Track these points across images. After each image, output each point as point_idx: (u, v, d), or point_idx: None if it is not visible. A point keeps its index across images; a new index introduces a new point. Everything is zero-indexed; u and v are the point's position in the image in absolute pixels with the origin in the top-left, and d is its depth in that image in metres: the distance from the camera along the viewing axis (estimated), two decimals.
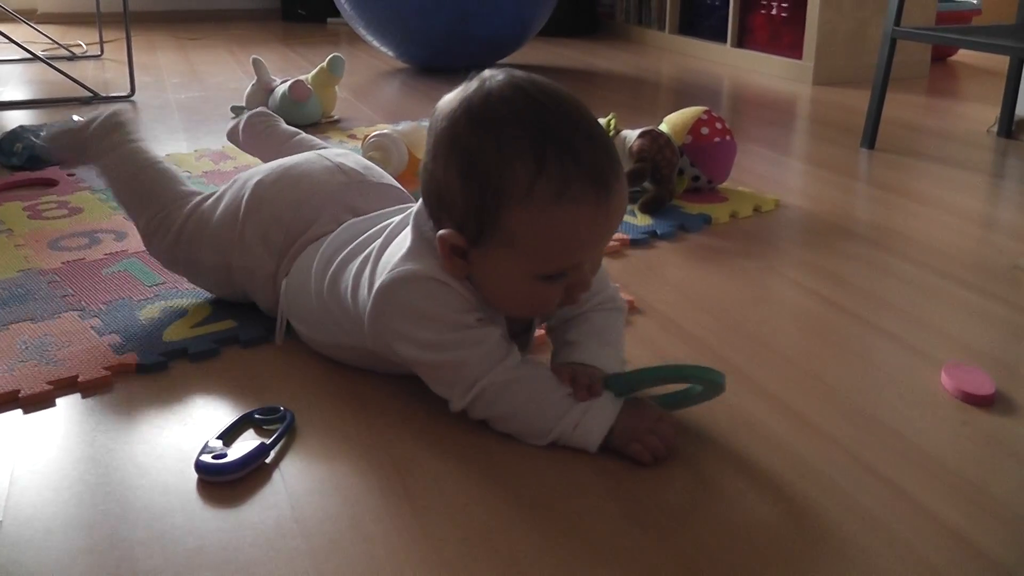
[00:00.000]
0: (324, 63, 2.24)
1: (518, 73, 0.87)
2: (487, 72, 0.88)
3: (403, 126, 1.79)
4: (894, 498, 0.83)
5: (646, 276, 1.34)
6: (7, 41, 2.58)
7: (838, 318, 1.21)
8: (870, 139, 2.13)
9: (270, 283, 1.10)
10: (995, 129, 2.30)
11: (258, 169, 1.16)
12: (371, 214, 1.09)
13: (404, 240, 0.93)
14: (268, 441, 0.89)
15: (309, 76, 2.24)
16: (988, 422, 0.97)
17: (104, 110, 1.29)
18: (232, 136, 1.55)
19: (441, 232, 0.87)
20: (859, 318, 1.21)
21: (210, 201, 1.16)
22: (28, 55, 2.63)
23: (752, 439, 0.93)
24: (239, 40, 3.78)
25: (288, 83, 2.18)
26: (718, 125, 1.69)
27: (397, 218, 1.01)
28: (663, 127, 1.71)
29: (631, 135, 1.63)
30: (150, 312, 1.16)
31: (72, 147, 1.28)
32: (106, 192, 1.62)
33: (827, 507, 0.82)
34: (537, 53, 3.52)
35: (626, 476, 0.86)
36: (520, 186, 0.81)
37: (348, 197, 1.12)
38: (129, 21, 2.57)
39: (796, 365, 1.08)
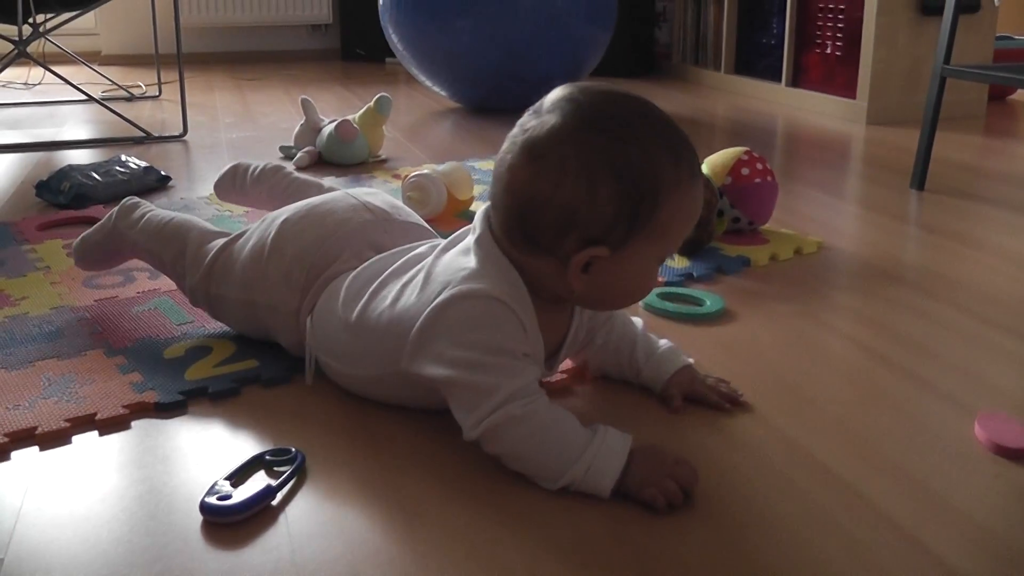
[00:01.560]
0: (371, 103, 2.26)
1: (583, 84, 0.90)
2: (557, 93, 0.89)
3: (444, 167, 1.79)
4: (917, 556, 0.80)
5: (679, 320, 1.32)
6: (68, 83, 2.65)
7: (873, 365, 1.17)
8: (920, 180, 2.08)
9: (293, 320, 1.10)
10: None
11: (286, 208, 1.17)
12: (402, 247, 1.09)
13: (465, 260, 0.93)
14: (275, 483, 0.88)
15: (356, 116, 2.26)
16: (1021, 475, 0.92)
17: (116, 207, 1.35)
18: (223, 187, 1.55)
19: (592, 250, 0.87)
20: (895, 365, 1.17)
21: (240, 240, 1.17)
22: (86, 96, 2.70)
23: (773, 489, 0.90)
24: (296, 80, 3.85)
25: (335, 123, 2.21)
26: (759, 166, 1.66)
27: (437, 248, 1.01)
28: (703, 168, 1.68)
29: None
30: (175, 351, 1.17)
31: (103, 243, 1.33)
32: None
33: (847, 566, 0.78)
34: None
35: (639, 527, 0.83)
36: (670, 176, 0.86)
37: (372, 234, 1.12)
38: (183, 62, 2.63)
39: (825, 412, 1.05)
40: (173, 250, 1.22)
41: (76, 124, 2.83)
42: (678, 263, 1.53)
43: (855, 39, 2.97)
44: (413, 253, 1.06)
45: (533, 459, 0.88)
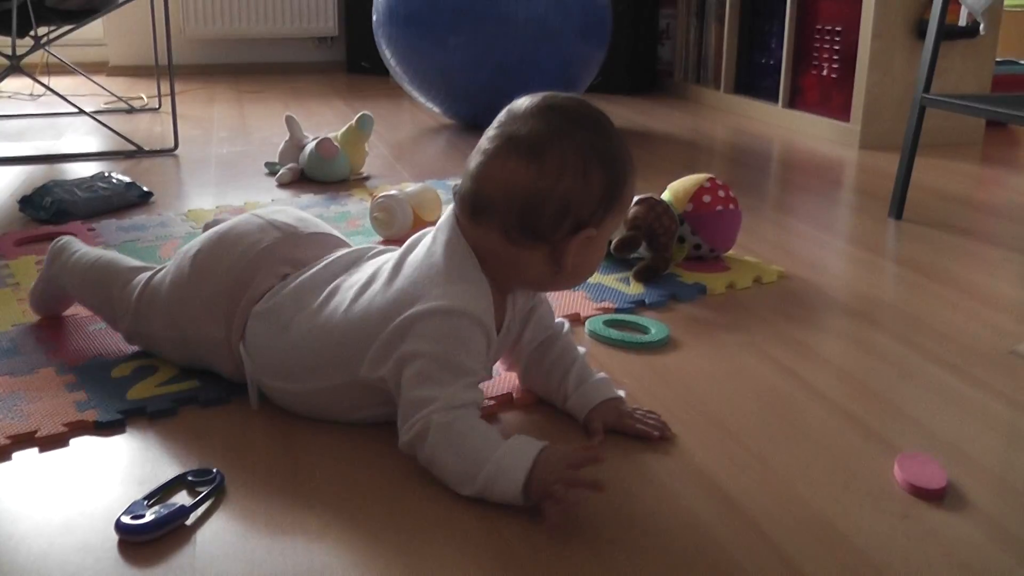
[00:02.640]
0: (353, 121, 2.29)
1: (547, 93, 1.00)
2: (529, 102, 0.99)
3: (411, 188, 1.82)
4: None
5: (621, 348, 1.33)
6: (70, 95, 2.70)
7: (806, 400, 1.19)
8: (897, 209, 2.09)
9: (225, 349, 1.13)
10: None
11: (198, 239, 1.19)
12: (341, 254, 1.13)
13: (434, 264, 0.99)
14: (190, 503, 0.91)
15: (338, 133, 2.30)
16: (932, 517, 0.93)
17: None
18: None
19: (587, 232, 0.97)
20: (828, 401, 1.18)
21: (159, 275, 1.19)
22: (88, 109, 2.74)
23: (675, 522, 0.91)
24: (298, 94, 3.89)
25: (317, 140, 2.24)
26: (721, 193, 1.68)
27: (399, 250, 1.06)
28: (665, 195, 1.70)
29: None
30: (122, 370, 1.20)
31: (46, 290, 1.35)
32: (119, 247, 1.68)
33: None
34: None
35: (522, 545, 0.85)
36: (629, 159, 1.01)
37: (284, 250, 1.15)
38: (186, 74, 2.69)
39: (744, 446, 1.06)
40: (100, 295, 1.25)
41: (75, 136, 2.88)
42: (632, 289, 1.54)
43: (851, 62, 2.97)
44: (357, 258, 1.12)
45: (449, 463, 0.93)
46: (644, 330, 1.38)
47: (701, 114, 3.61)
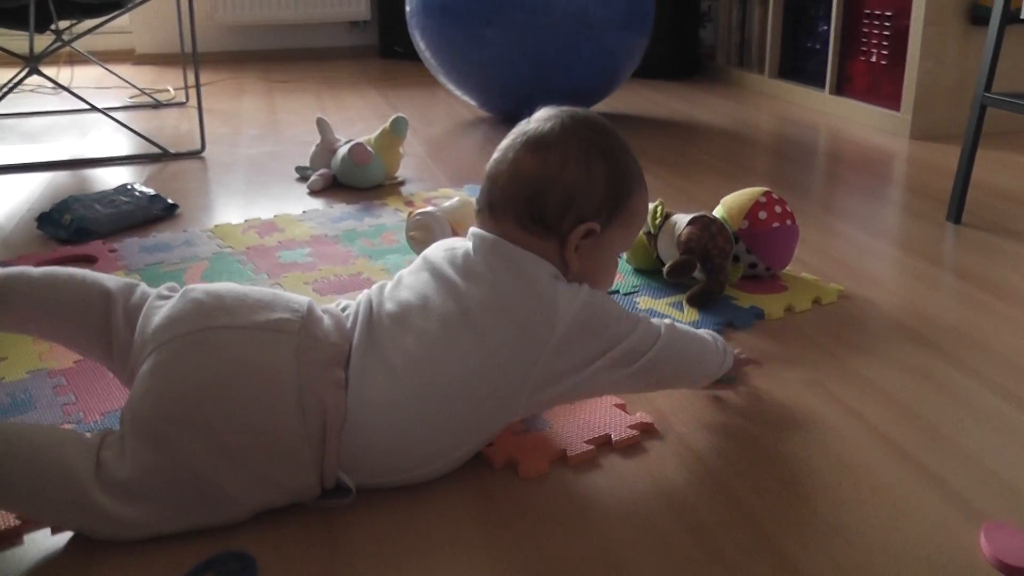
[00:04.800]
0: (387, 124, 2.20)
1: (562, 107, 1.07)
2: (545, 112, 1.06)
3: (450, 203, 1.73)
4: None
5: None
6: (95, 87, 2.63)
7: (878, 453, 1.09)
8: (956, 213, 1.97)
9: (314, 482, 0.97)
10: None
11: (141, 390, 0.92)
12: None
13: (527, 275, 1.00)
14: None
15: (372, 137, 2.21)
16: None
17: None
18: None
19: (588, 224, 1.01)
20: (903, 453, 1.09)
21: (108, 451, 0.91)
22: (113, 104, 2.67)
23: None
24: (330, 83, 3.80)
25: (350, 144, 2.16)
26: (777, 209, 1.57)
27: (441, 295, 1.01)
28: (719, 210, 1.60)
29: (681, 221, 1.53)
30: None
31: None
32: (141, 272, 1.61)
33: None
34: (629, 99, 3.43)
35: None
36: (636, 171, 1.07)
37: (319, 346, 0.97)
38: (213, 62, 2.62)
39: (814, 511, 0.97)
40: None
41: (100, 136, 2.80)
42: (686, 315, 1.45)
43: (901, 48, 2.84)
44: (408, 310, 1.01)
45: (690, 363, 1.13)
46: None
47: (744, 100, 3.49)
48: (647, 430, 1.13)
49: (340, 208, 2.01)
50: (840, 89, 3.17)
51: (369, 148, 2.15)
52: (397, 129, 2.19)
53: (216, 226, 1.87)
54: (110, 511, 0.88)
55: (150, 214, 1.90)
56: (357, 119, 3.01)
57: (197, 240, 1.79)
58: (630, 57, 2.95)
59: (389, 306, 1.01)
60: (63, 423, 1.12)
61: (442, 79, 2.97)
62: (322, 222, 1.90)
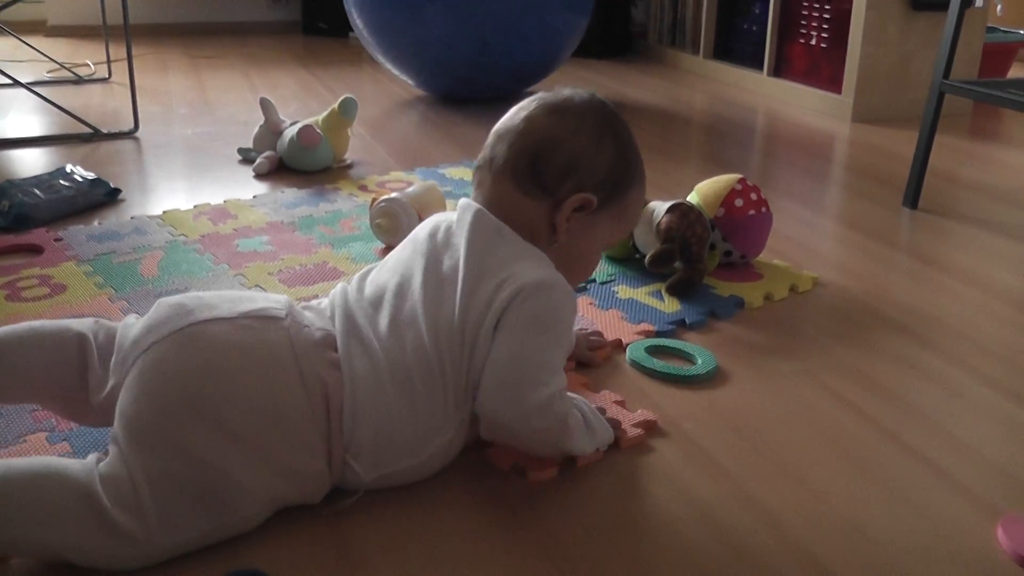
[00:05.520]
0: (336, 104, 2.12)
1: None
2: (573, 87, 1.05)
3: (414, 189, 1.67)
4: None
5: (667, 381, 1.22)
6: (8, 60, 2.46)
7: (882, 445, 1.08)
8: (913, 198, 1.99)
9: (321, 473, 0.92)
10: None
11: (131, 398, 0.85)
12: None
13: (510, 248, 0.96)
14: None
15: (319, 119, 2.13)
16: None
17: None
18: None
19: (587, 194, 0.98)
20: (906, 447, 1.08)
21: (116, 482, 0.82)
22: (28, 79, 2.51)
23: None
24: (256, 60, 3.67)
25: (295, 124, 2.07)
26: (753, 196, 1.56)
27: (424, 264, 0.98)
28: (693, 197, 1.58)
29: (660, 209, 1.50)
30: None
31: None
32: (92, 263, 1.51)
33: None
34: (564, 78, 3.39)
35: None
36: (642, 173, 1.06)
37: (309, 338, 0.94)
38: (133, 35, 2.44)
39: (835, 511, 0.95)
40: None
41: (18, 115, 2.64)
42: (668, 306, 1.42)
43: (841, 32, 2.86)
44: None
45: (577, 433, 0.97)
46: (690, 358, 1.27)
47: (678, 80, 3.49)
48: (651, 428, 1.10)
49: (292, 193, 1.93)
50: (778, 71, 3.19)
51: (318, 130, 2.06)
52: (346, 111, 2.11)
53: (165, 212, 1.77)
54: (124, 526, 0.80)
55: (92, 199, 1.80)
56: (291, 98, 2.91)
57: (147, 228, 1.69)
58: (572, 36, 2.92)
59: (368, 290, 1.00)
60: (34, 431, 1.04)
61: (379, 58, 2.89)
62: (276, 208, 1.82)
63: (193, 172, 2.09)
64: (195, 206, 1.82)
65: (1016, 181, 2.23)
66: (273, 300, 0.96)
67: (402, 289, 0.97)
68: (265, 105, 2.15)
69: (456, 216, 1.01)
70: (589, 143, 1.00)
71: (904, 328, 1.39)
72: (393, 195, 1.61)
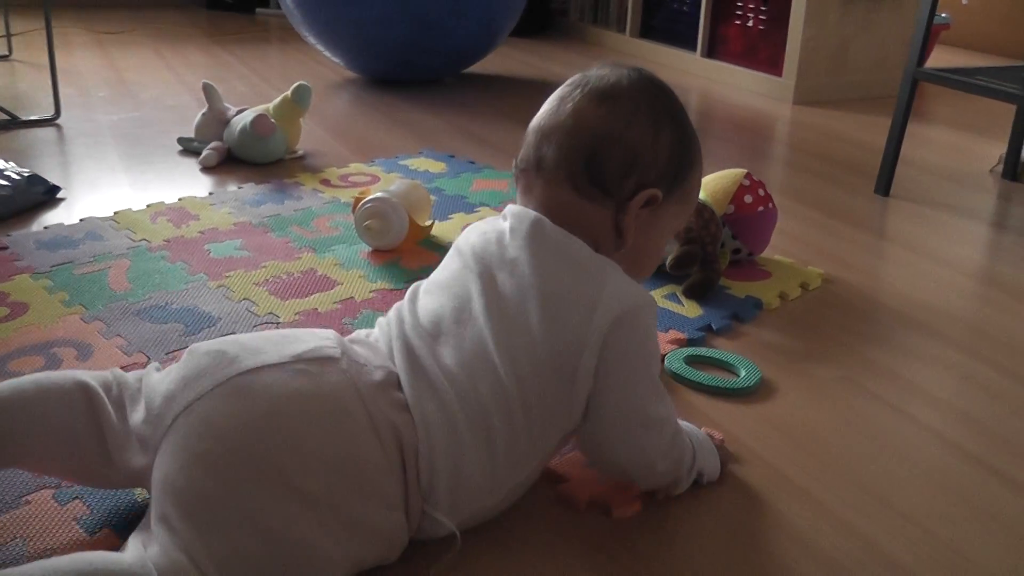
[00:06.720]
0: (288, 92, 1.97)
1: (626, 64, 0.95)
2: (603, 69, 0.93)
3: (398, 186, 1.55)
4: None
5: (714, 395, 1.15)
6: None
7: (949, 459, 1.04)
8: (885, 186, 1.98)
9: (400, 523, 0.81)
10: (999, 170, 2.17)
11: (179, 465, 0.74)
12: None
13: (584, 265, 0.86)
14: None
15: (271, 107, 1.98)
16: None
17: None
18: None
19: (652, 190, 0.88)
20: (971, 457, 1.04)
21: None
22: None
23: None
24: (164, 36, 3.44)
25: (250, 117, 1.91)
26: (761, 192, 1.50)
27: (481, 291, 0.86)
28: (700, 194, 1.51)
29: None
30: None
31: None
32: (51, 276, 1.35)
33: None
34: (495, 59, 3.29)
35: None
36: (698, 147, 0.95)
37: (372, 379, 0.83)
38: (22, 6, 2.21)
39: (930, 532, 0.90)
40: None
41: None
42: (688, 310, 1.36)
43: (779, 15, 2.85)
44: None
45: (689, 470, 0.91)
46: (731, 368, 1.21)
47: (604, 59, 3.41)
48: (721, 449, 1.03)
49: (251, 189, 1.78)
50: (712, 52, 3.16)
51: (271, 119, 1.92)
52: (300, 98, 1.96)
53: (117, 213, 1.60)
54: None
55: (31, 198, 1.61)
56: (216, 80, 2.70)
57: (101, 232, 1.52)
58: (511, 14, 2.82)
59: (423, 317, 0.87)
60: (36, 490, 0.89)
61: (310, 38, 2.73)
62: (239, 206, 1.67)
63: (133, 165, 1.91)
64: (148, 205, 1.65)
65: (964, 163, 2.25)
66: (323, 337, 0.84)
67: (461, 315, 0.85)
68: (208, 91, 1.99)
69: (508, 225, 0.89)
70: (646, 132, 0.89)
71: (925, 327, 1.36)
72: (379, 194, 1.49)
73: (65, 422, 0.80)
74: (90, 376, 0.83)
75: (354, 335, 0.90)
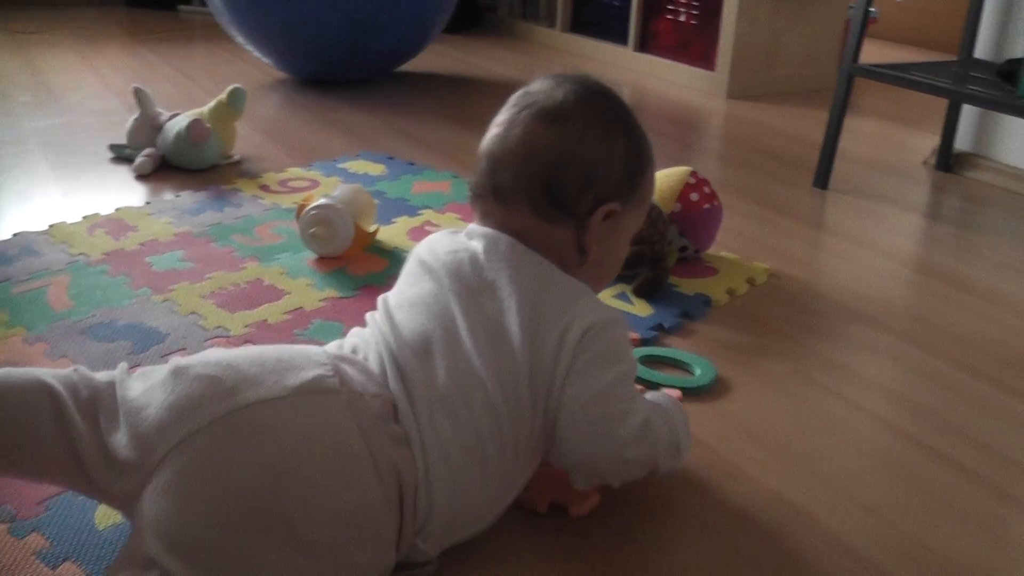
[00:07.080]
0: (223, 96, 1.93)
1: (563, 74, 0.96)
2: (547, 81, 0.94)
3: (341, 192, 1.53)
4: None
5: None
6: None
7: (902, 447, 1.07)
8: (824, 179, 2.01)
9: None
10: (932, 161, 2.23)
11: (176, 506, 0.71)
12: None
13: (559, 287, 0.86)
14: None
15: (206, 111, 1.93)
16: None
17: None
18: None
19: (609, 205, 0.89)
20: (937, 454, 1.07)
21: None
22: None
23: None
24: (85, 36, 3.34)
25: (184, 122, 1.87)
26: (706, 189, 1.52)
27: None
28: None
29: None
30: (111, 514, 0.88)
31: None
32: None
33: None
34: (427, 56, 3.26)
35: None
36: (650, 149, 0.96)
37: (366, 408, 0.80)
38: None
39: (884, 519, 0.92)
40: None
41: None
42: (639, 309, 1.37)
43: (711, 9, 2.88)
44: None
45: (666, 452, 0.90)
46: (686, 367, 1.22)
47: (534, 53, 3.43)
48: None
49: (189, 197, 1.74)
50: (644, 46, 3.18)
51: (207, 124, 1.87)
52: (235, 102, 1.93)
53: (52, 226, 1.55)
54: None
55: None
56: (142, 81, 2.63)
57: (36, 246, 1.47)
58: (441, 13, 2.80)
59: (408, 337, 0.84)
60: None
61: (239, 38, 2.67)
62: (178, 215, 1.63)
63: (64, 175, 1.85)
64: (84, 217, 1.61)
65: (897, 155, 2.30)
66: (318, 361, 0.79)
67: (450, 337, 0.83)
68: (140, 95, 1.94)
69: (481, 248, 0.88)
70: (600, 146, 0.89)
71: (872, 320, 1.39)
72: (324, 200, 1.47)
73: (26, 428, 0.75)
74: (53, 377, 0.78)
75: (341, 353, 0.85)
